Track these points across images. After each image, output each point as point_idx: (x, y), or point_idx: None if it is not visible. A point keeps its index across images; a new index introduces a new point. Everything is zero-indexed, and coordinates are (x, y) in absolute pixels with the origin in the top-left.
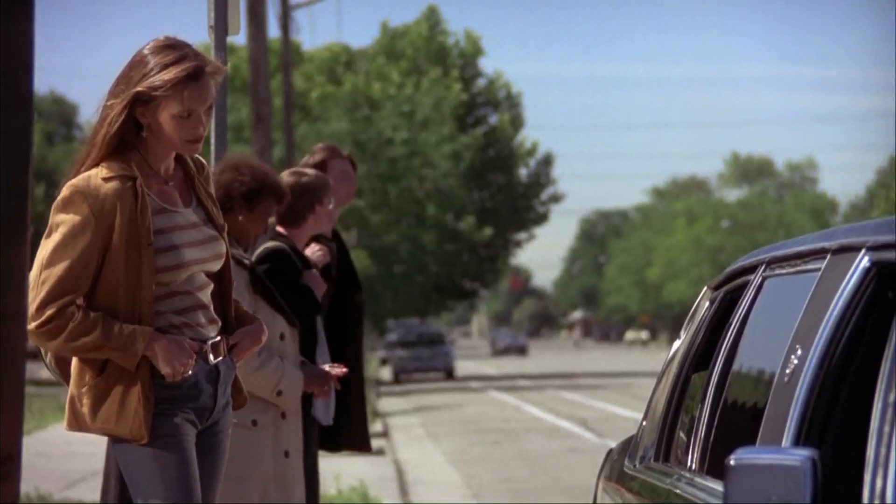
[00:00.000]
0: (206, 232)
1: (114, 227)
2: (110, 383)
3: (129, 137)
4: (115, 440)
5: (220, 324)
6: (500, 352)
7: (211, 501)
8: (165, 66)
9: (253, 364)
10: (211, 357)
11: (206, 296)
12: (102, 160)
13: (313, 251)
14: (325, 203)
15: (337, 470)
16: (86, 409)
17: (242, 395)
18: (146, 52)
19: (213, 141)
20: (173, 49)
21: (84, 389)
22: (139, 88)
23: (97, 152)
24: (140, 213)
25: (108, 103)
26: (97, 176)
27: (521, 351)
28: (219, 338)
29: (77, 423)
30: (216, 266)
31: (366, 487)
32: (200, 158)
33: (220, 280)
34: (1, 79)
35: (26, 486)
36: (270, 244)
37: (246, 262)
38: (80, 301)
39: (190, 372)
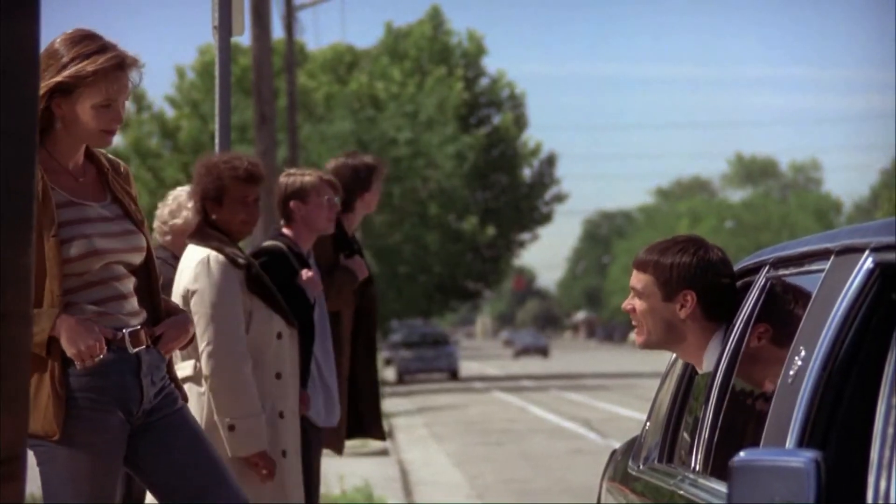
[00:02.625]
0: (121, 225)
1: None
2: None
3: (41, 130)
4: (30, 438)
5: (144, 315)
6: (520, 352)
7: (225, 478)
8: (87, 56)
9: (234, 383)
10: (129, 346)
11: (125, 286)
12: None
13: (305, 276)
14: (308, 202)
15: (341, 470)
16: None
17: (183, 392)
18: (58, 44)
19: (216, 141)
20: (91, 40)
21: None
22: (60, 78)
23: None
24: (41, 205)
25: None
26: None
27: (542, 352)
28: (138, 326)
29: None
30: (135, 258)
31: (370, 488)
32: (119, 161)
33: (146, 274)
34: (5, 79)
35: (30, 487)
36: (267, 243)
37: (241, 261)
38: None
39: (101, 356)
